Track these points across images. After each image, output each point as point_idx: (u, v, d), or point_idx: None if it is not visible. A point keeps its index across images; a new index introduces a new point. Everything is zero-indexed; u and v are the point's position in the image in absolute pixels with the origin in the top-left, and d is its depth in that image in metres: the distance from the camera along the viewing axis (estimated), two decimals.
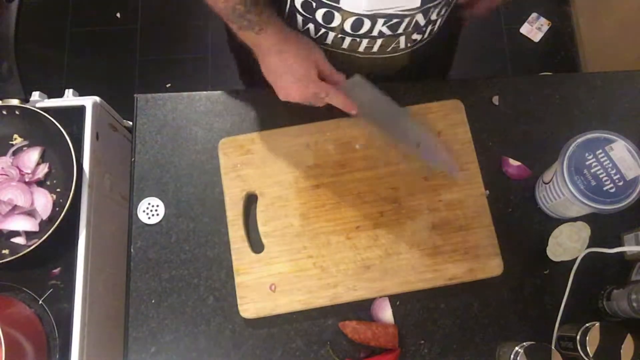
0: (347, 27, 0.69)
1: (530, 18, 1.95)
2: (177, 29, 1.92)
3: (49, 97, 0.96)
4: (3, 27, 0.88)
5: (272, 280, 0.75)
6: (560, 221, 0.78)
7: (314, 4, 0.67)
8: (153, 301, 0.77)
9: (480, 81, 0.87)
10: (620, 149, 0.69)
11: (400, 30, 0.70)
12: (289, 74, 0.69)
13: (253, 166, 0.80)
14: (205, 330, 0.76)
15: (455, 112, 0.81)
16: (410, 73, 0.85)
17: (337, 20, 0.68)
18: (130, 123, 1.09)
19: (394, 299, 0.76)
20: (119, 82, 1.86)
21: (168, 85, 1.85)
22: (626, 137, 0.70)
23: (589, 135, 0.70)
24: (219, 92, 0.86)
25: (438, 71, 1.02)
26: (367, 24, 0.68)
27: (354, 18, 0.67)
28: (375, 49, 0.74)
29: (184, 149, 0.84)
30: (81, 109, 0.94)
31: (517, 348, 0.66)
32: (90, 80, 1.85)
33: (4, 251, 0.85)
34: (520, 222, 0.80)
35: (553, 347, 0.65)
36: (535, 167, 0.81)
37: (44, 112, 0.87)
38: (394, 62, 0.79)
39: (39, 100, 0.93)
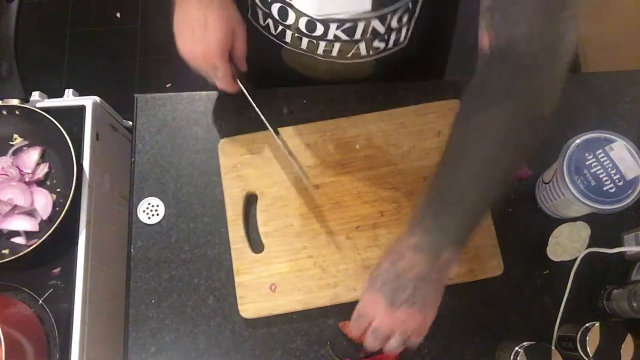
0: (302, 26, 0.68)
1: None
2: None
3: (49, 97, 0.96)
4: (3, 27, 0.88)
5: (272, 280, 0.75)
6: (560, 221, 0.78)
7: None
8: (153, 301, 0.77)
9: None
10: (620, 149, 0.69)
11: (357, 36, 0.68)
12: (203, 29, 0.64)
13: (253, 166, 0.79)
14: (205, 330, 0.76)
15: (455, 112, 0.81)
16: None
17: (291, 17, 0.67)
18: (130, 123, 1.09)
19: None
20: (119, 82, 1.86)
21: (168, 85, 1.85)
22: (626, 137, 0.70)
23: (589, 135, 0.70)
24: (219, 92, 0.86)
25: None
26: (320, 27, 0.67)
27: (307, 19, 0.66)
28: (335, 53, 0.72)
29: (184, 149, 0.84)
30: (81, 109, 0.94)
31: (517, 348, 0.66)
32: (90, 80, 1.85)
33: (4, 251, 0.85)
34: (520, 222, 0.80)
35: (553, 347, 0.65)
36: (535, 167, 0.81)
37: (44, 112, 0.87)
38: (358, 69, 0.77)
39: (39, 100, 0.93)
